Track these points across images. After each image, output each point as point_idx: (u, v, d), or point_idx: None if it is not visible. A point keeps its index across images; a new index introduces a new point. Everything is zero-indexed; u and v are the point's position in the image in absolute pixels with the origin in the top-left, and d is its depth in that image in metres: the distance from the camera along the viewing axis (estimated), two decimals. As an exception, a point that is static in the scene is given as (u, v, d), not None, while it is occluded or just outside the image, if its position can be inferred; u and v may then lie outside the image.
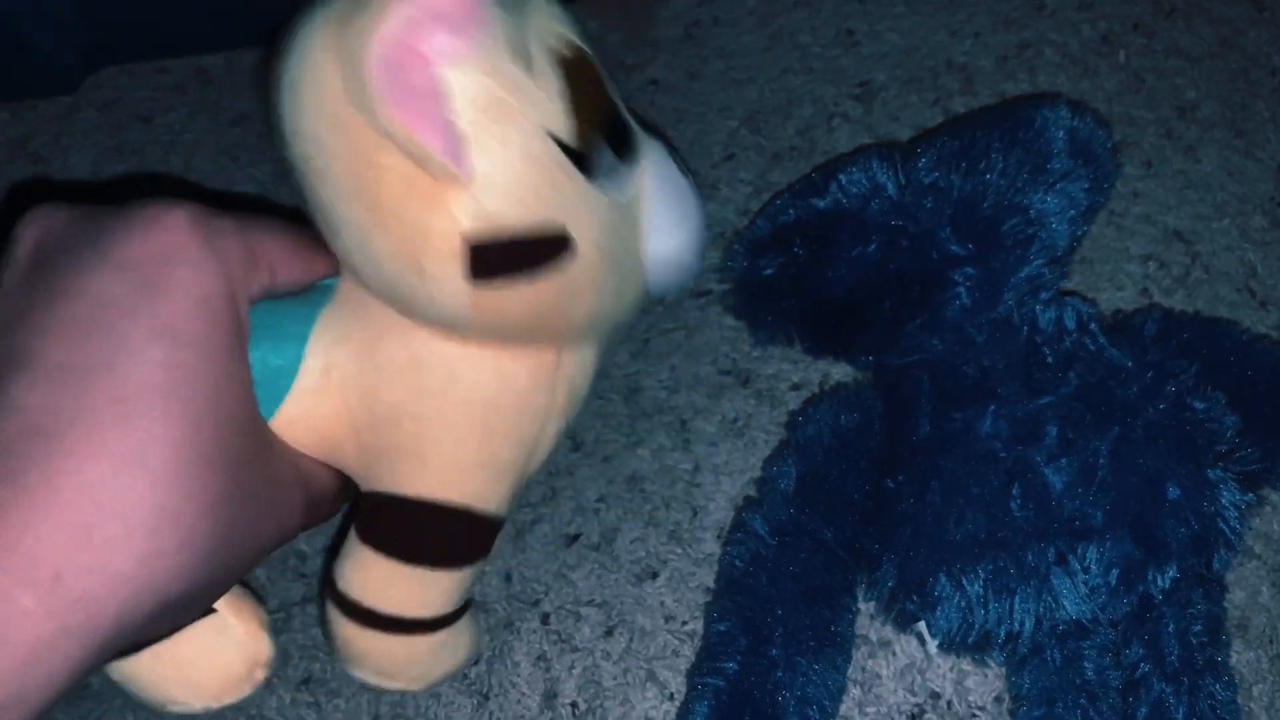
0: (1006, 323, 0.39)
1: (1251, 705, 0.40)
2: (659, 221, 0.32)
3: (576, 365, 0.33)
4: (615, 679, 0.41)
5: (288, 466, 0.30)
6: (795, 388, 0.45)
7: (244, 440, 0.27)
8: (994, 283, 0.39)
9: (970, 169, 0.40)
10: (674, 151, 0.33)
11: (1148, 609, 0.37)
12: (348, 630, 0.34)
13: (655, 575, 0.43)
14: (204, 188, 0.49)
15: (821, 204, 0.41)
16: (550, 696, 0.41)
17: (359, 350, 0.31)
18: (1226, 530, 0.37)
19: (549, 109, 0.28)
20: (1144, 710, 0.37)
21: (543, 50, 0.28)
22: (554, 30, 0.29)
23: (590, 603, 0.42)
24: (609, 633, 0.42)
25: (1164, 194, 0.47)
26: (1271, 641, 0.40)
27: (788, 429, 0.44)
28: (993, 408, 0.37)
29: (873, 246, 0.39)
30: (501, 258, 0.28)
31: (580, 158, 0.29)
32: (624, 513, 0.43)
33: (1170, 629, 0.37)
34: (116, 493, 0.24)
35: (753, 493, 0.43)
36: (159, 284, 0.26)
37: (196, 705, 0.35)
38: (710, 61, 0.50)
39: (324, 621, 0.35)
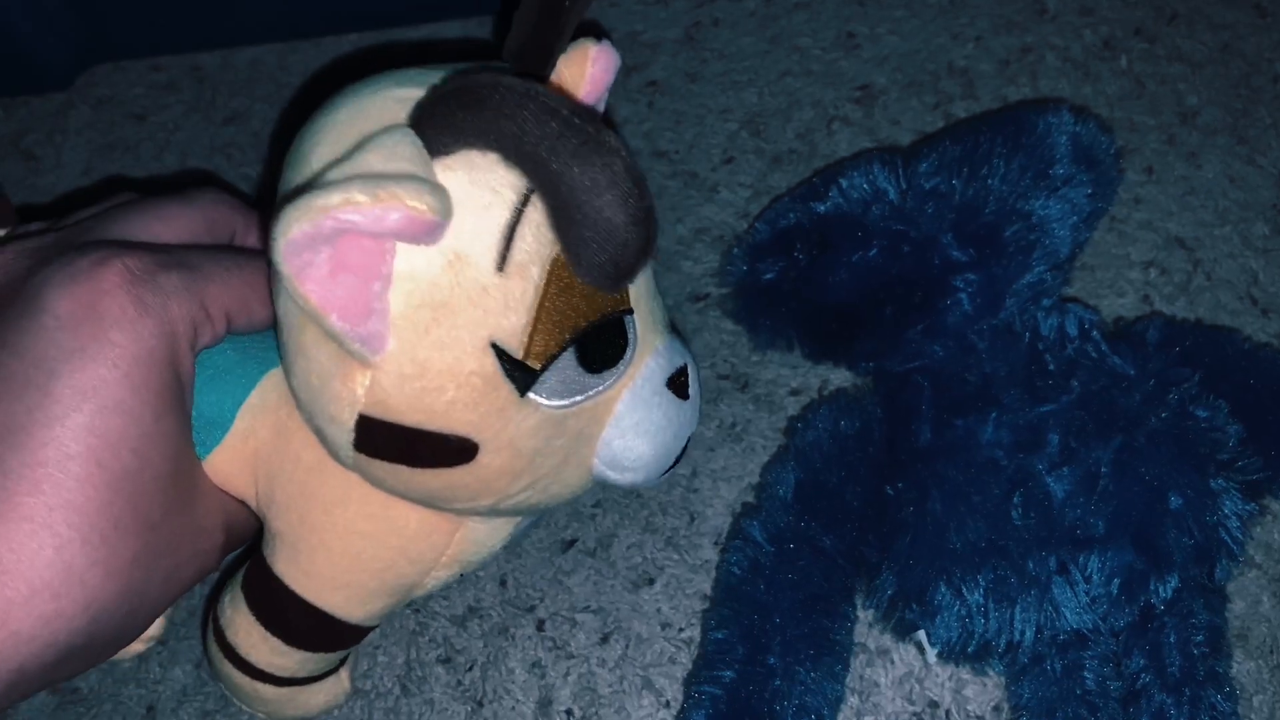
0: (1008, 329, 0.39)
1: (1252, 716, 0.39)
2: (619, 434, 0.29)
3: (483, 532, 0.32)
4: (611, 686, 0.41)
5: (214, 509, 0.30)
6: (794, 393, 0.44)
7: (165, 499, 0.27)
8: (996, 289, 0.39)
9: (972, 174, 0.39)
10: (685, 356, 0.31)
11: (1149, 619, 0.37)
12: (213, 652, 0.34)
13: (652, 582, 0.42)
14: (226, 183, 0.49)
15: (822, 208, 0.41)
16: (545, 704, 0.41)
17: (278, 430, 0.31)
18: (1229, 540, 0.36)
19: (504, 320, 0.26)
20: (1144, 721, 0.36)
21: (536, 254, 0.26)
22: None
23: (586, 609, 0.42)
24: (605, 639, 0.41)
25: (1166, 200, 0.47)
26: (1272, 652, 0.40)
27: (786, 435, 0.43)
28: (994, 415, 0.37)
29: (874, 251, 0.39)
30: (389, 444, 0.28)
31: (525, 371, 0.27)
32: (620, 518, 0.43)
33: (1172, 639, 0.37)
34: (23, 555, 0.25)
35: (751, 499, 0.43)
36: (90, 346, 0.26)
37: None
38: (710, 63, 0.50)
39: (202, 632, 0.36)
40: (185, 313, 0.27)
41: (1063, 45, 0.50)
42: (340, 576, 0.31)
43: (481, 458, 0.28)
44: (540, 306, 0.27)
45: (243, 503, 0.32)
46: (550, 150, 0.25)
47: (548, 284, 0.27)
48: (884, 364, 0.41)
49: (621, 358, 0.29)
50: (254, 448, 0.31)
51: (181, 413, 0.28)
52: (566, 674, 0.41)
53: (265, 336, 0.31)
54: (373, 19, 0.52)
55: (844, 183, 0.40)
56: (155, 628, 0.36)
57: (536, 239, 0.26)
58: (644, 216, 0.25)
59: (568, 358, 0.27)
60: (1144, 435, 0.37)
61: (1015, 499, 0.36)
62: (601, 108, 0.32)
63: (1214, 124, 0.48)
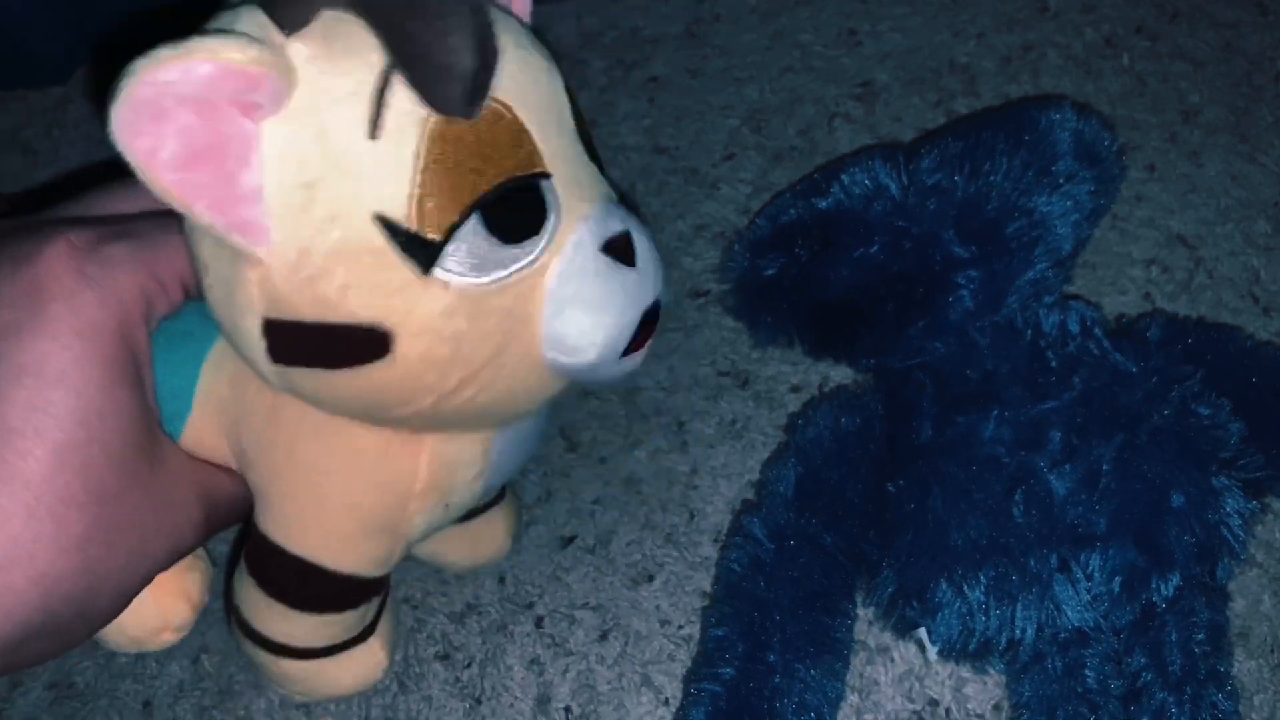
0: (1010, 326, 0.39)
1: (1252, 715, 0.39)
2: (557, 312, 0.27)
3: (453, 451, 0.30)
4: (610, 684, 0.41)
5: (187, 485, 0.30)
6: (795, 390, 0.44)
7: (119, 472, 0.27)
8: (998, 286, 0.39)
9: (974, 170, 0.39)
10: (628, 220, 0.28)
11: (1150, 617, 0.37)
12: (237, 635, 0.33)
13: (651, 579, 0.42)
14: None
15: (824, 204, 0.40)
16: (543, 701, 0.40)
17: (234, 383, 0.30)
18: (1231, 538, 0.36)
19: (384, 189, 0.24)
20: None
21: (411, 118, 0.24)
22: None
23: (585, 606, 0.42)
24: (604, 636, 0.41)
25: (1167, 198, 0.47)
26: (1273, 651, 0.40)
27: (787, 431, 0.43)
28: (996, 412, 0.37)
29: (875, 248, 0.39)
30: (299, 346, 0.26)
31: (422, 244, 0.25)
32: (620, 515, 0.43)
33: (1173, 638, 0.36)
34: None
35: (751, 496, 0.43)
36: (30, 321, 0.26)
37: (102, 644, 0.35)
38: (711, 59, 0.50)
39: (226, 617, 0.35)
40: (134, 282, 0.27)
41: (1064, 43, 0.50)
42: (313, 520, 0.30)
43: (398, 348, 0.26)
44: (424, 171, 0.24)
45: (226, 471, 0.31)
46: (401, 8, 0.24)
47: (429, 146, 0.25)
48: (885, 361, 0.41)
49: (542, 224, 0.26)
50: (215, 406, 0.30)
51: (134, 384, 0.27)
52: (565, 671, 0.41)
53: (202, 315, 0.30)
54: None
55: (846, 179, 0.40)
56: (184, 616, 0.36)
57: (410, 100, 0.24)
58: (481, 30, 0.24)
59: (473, 226, 0.25)
60: (1146, 433, 0.36)
61: (1017, 496, 0.36)
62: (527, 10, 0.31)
63: (1216, 122, 0.48)
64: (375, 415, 0.28)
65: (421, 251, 0.25)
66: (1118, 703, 0.37)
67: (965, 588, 0.36)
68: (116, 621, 0.32)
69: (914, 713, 0.40)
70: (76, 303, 0.26)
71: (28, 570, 0.25)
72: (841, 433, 0.40)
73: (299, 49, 0.24)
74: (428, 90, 0.24)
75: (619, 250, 0.28)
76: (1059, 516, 0.36)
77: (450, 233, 0.25)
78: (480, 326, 0.26)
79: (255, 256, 0.25)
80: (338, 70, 0.24)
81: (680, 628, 0.41)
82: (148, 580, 0.30)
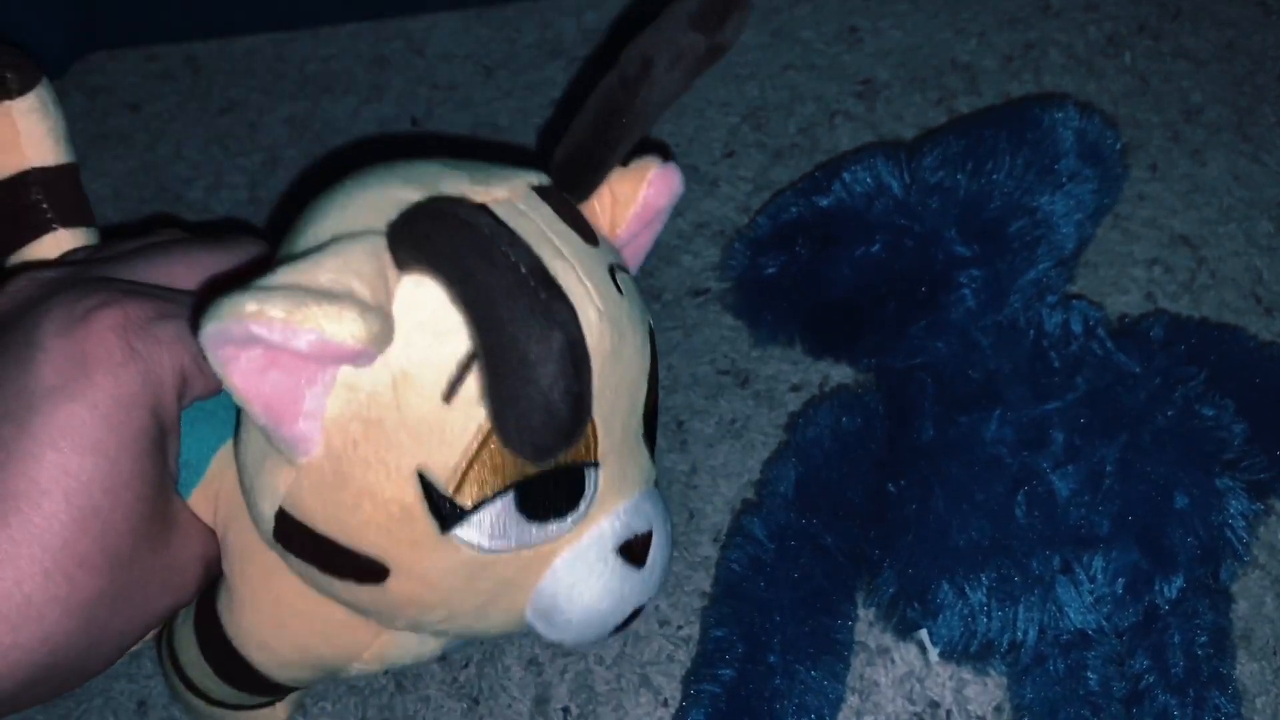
0: (1012, 326, 0.39)
1: (1255, 717, 0.39)
2: (553, 593, 0.28)
3: (413, 641, 0.32)
4: (608, 684, 0.40)
5: (193, 545, 0.30)
6: (795, 389, 0.44)
7: (135, 538, 0.27)
8: (1000, 285, 0.38)
9: (977, 169, 0.39)
10: (650, 523, 0.29)
11: (1153, 619, 0.36)
12: (161, 648, 0.34)
13: (650, 579, 0.42)
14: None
15: (825, 202, 0.40)
16: (542, 701, 0.40)
17: (236, 488, 0.30)
18: (1234, 540, 0.36)
19: (437, 452, 0.25)
20: (1147, 722, 0.36)
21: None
22: None
23: (583, 606, 0.41)
24: (602, 637, 0.41)
25: (1170, 198, 0.47)
26: (1275, 653, 0.40)
27: (787, 431, 0.43)
28: (998, 412, 0.37)
29: (877, 246, 0.39)
30: (304, 545, 0.27)
31: (452, 509, 0.26)
32: (619, 514, 0.42)
33: (1176, 640, 0.36)
34: None
35: (751, 496, 0.42)
36: (74, 387, 0.26)
37: None
38: (711, 56, 0.50)
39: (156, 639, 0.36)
40: (175, 363, 0.27)
41: (1067, 41, 0.49)
42: (264, 639, 0.31)
43: (391, 583, 0.27)
44: (482, 446, 0.25)
45: None
46: (494, 305, 0.23)
47: (488, 431, 0.25)
48: (886, 360, 0.40)
49: (570, 511, 0.27)
50: (216, 491, 0.31)
51: (159, 457, 0.28)
52: (563, 671, 0.41)
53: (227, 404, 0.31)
54: (369, 9, 0.51)
55: (847, 177, 0.40)
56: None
57: None
58: (573, 400, 0.23)
59: (505, 502, 0.26)
60: (1149, 433, 0.36)
61: (1019, 497, 0.36)
62: (657, 230, 0.31)
63: (1218, 121, 0.48)
64: (354, 610, 0.29)
65: (447, 513, 0.26)
66: (1120, 704, 0.36)
67: (967, 589, 0.35)
68: None
69: (914, 714, 0.40)
70: (118, 375, 0.26)
71: (36, 630, 0.26)
72: (842, 432, 0.40)
73: (409, 291, 0.25)
74: (501, 418, 0.24)
75: (633, 552, 0.29)
76: (1061, 517, 0.35)
77: (481, 504, 0.26)
78: (474, 586, 0.27)
79: (295, 462, 0.26)
80: (437, 327, 0.25)
81: (679, 628, 0.41)
82: (148, 633, 0.30)
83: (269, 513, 0.27)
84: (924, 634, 0.37)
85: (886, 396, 0.40)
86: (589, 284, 0.26)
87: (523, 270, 0.23)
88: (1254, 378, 0.40)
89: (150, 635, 0.36)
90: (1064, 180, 0.39)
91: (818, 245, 0.40)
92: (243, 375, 0.23)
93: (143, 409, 0.27)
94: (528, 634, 0.40)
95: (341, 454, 0.25)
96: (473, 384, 0.25)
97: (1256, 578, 0.41)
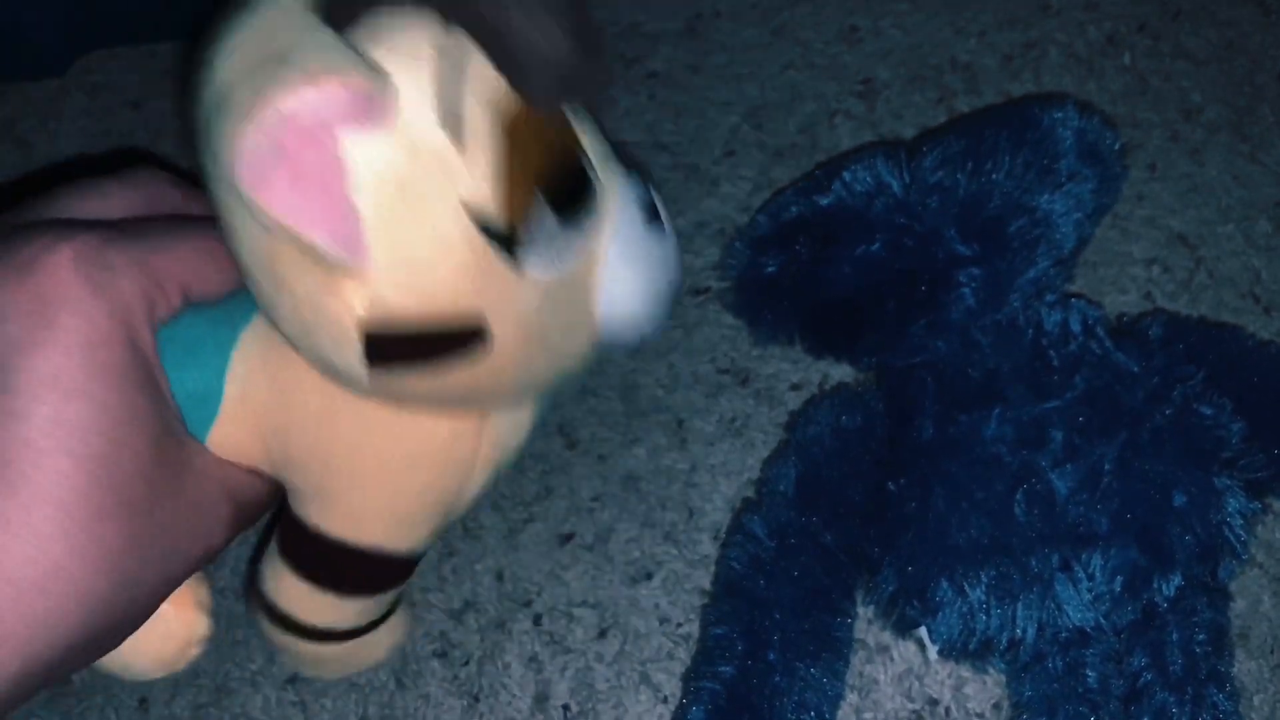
0: (1012, 325, 0.39)
1: (1252, 716, 0.39)
2: (614, 281, 0.28)
3: (508, 424, 0.31)
4: (608, 681, 0.41)
5: (214, 486, 0.29)
6: (795, 388, 0.44)
7: (149, 480, 0.27)
8: (1000, 284, 0.39)
9: (977, 168, 0.39)
10: (648, 186, 0.30)
11: (1152, 617, 0.36)
12: (266, 627, 0.33)
13: (650, 576, 0.42)
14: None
15: (825, 201, 0.40)
16: (542, 699, 0.40)
17: (274, 386, 0.30)
18: (1232, 539, 0.36)
19: (474, 185, 0.25)
20: (1146, 720, 0.36)
21: (480, 109, 0.25)
22: (496, 82, 0.25)
23: (583, 604, 0.41)
24: (602, 634, 0.41)
25: (1168, 197, 0.47)
26: (1273, 651, 0.40)
27: (787, 429, 0.43)
28: (998, 411, 0.37)
29: (877, 245, 0.39)
30: (401, 349, 0.26)
31: (508, 238, 0.26)
32: (619, 512, 0.43)
33: (1174, 638, 0.36)
34: (5, 559, 0.24)
35: (751, 494, 0.42)
36: (42, 334, 0.25)
37: (131, 676, 0.35)
38: (712, 55, 0.50)
39: (248, 610, 0.35)
40: (137, 288, 0.26)
41: (1066, 41, 0.49)
42: (384, 510, 0.30)
43: (494, 341, 0.27)
44: (503, 162, 0.25)
45: (252, 472, 0.31)
46: None
47: (502, 137, 0.25)
48: (886, 359, 0.40)
49: (592, 201, 0.28)
50: (253, 410, 0.30)
51: (151, 389, 0.27)
52: (564, 669, 0.41)
53: (227, 300, 0.30)
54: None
55: (847, 176, 0.40)
56: (205, 626, 0.35)
57: (477, 93, 0.25)
58: (581, 24, 0.24)
59: (544, 214, 0.26)
60: (1148, 432, 0.36)
61: (1018, 495, 0.36)
62: None
63: (1217, 121, 0.48)
64: (463, 404, 0.29)
65: (509, 244, 0.26)
66: (1118, 702, 0.37)
67: (966, 587, 0.36)
68: (142, 650, 0.33)
69: (914, 712, 0.40)
70: (86, 313, 0.25)
71: (70, 592, 0.25)
72: (842, 431, 0.40)
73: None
74: (522, 76, 0.24)
75: (654, 213, 0.29)
76: (1060, 516, 0.36)
77: (526, 221, 0.26)
78: (558, 315, 0.28)
79: (357, 269, 0.25)
80: (403, 73, 0.24)
81: (679, 626, 0.41)
82: (180, 583, 0.29)
83: (354, 341, 0.26)
84: (923, 632, 0.37)
85: (886, 395, 0.40)
86: None
87: None
88: (1252, 376, 0.40)
89: (205, 631, 0.35)
90: (1063, 180, 0.39)
91: (818, 244, 0.40)
92: (281, 198, 0.23)
93: (119, 343, 0.26)
94: (528, 631, 0.41)
95: (393, 233, 0.25)
96: (464, 107, 0.25)
97: (1254, 576, 0.41)
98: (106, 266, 0.26)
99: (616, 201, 0.29)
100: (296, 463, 0.30)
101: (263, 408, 0.30)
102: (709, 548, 0.42)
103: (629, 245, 0.29)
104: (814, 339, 0.42)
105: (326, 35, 0.24)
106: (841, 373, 0.44)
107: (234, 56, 0.25)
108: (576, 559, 0.42)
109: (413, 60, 0.25)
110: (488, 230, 0.25)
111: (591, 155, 0.28)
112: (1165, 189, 0.47)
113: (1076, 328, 0.39)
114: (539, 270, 0.27)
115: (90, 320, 0.25)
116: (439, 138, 0.24)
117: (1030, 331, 0.39)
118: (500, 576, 0.42)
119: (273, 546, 0.32)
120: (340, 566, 0.31)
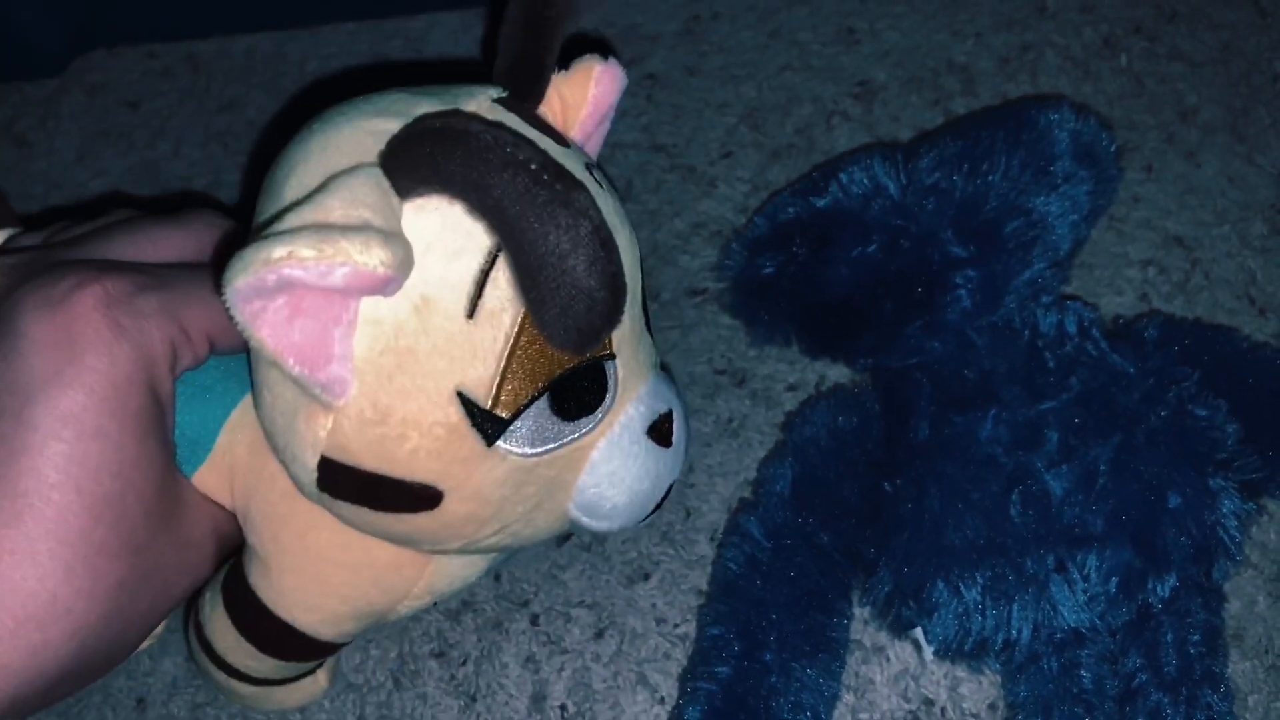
0: (1008, 326, 0.39)
1: (1246, 716, 0.39)
2: (595, 481, 0.29)
3: (456, 565, 0.32)
4: (605, 682, 0.41)
5: (203, 522, 0.30)
6: (791, 389, 0.44)
7: (149, 520, 0.27)
8: (995, 285, 0.39)
9: (973, 170, 0.39)
10: (672, 399, 0.30)
11: (1146, 618, 0.37)
12: (193, 645, 0.34)
13: (647, 577, 0.42)
14: (223, 205, 0.48)
15: (822, 203, 0.40)
16: (539, 699, 0.40)
17: (253, 449, 0.30)
18: (1227, 540, 0.36)
19: (471, 369, 0.25)
20: (1140, 720, 0.36)
21: (507, 298, 0.25)
22: None
23: (580, 604, 0.42)
24: (599, 635, 0.41)
25: (1164, 199, 0.47)
26: (1267, 652, 0.40)
27: (784, 430, 0.43)
28: (993, 412, 0.37)
29: (873, 247, 0.39)
30: (352, 484, 0.27)
31: (495, 420, 0.26)
32: (616, 513, 0.43)
33: (1169, 638, 0.36)
34: (6, 589, 0.25)
35: (747, 494, 0.42)
36: (66, 372, 0.25)
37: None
38: (709, 57, 0.50)
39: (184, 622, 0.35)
40: (164, 335, 0.27)
41: (1063, 43, 0.50)
42: (310, 599, 0.31)
43: (446, 505, 0.27)
44: (511, 355, 0.26)
45: (230, 510, 0.32)
46: (516, 206, 0.24)
47: (519, 332, 0.26)
48: (883, 360, 0.40)
49: (600, 404, 0.28)
50: (230, 464, 0.30)
51: (162, 435, 0.28)
52: (560, 669, 0.41)
53: (223, 371, 0.31)
54: (369, 8, 0.51)
55: (844, 177, 0.40)
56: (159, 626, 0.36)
57: (510, 286, 0.25)
58: (610, 281, 0.24)
59: (540, 406, 0.26)
60: (1143, 433, 0.36)
61: (1014, 496, 0.36)
62: (606, 129, 0.32)
63: (1213, 123, 0.48)
64: (406, 544, 0.30)
65: (490, 427, 0.26)
66: (1113, 703, 0.37)
67: (962, 587, 0.36)
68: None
69: (909, 712, 0.40)
70: (111, 355, 0.26)
71: (65, 625, 0.26)
72: (838, 432, 0.40)
73: (410, 219, 0.25)
74: (542, 316, 0.25)
75: (660, 432, 0.29)
76: (1056, 517, 0.36)
77: (520, 411, 0.26)
78: (523, 491, 0.28)
79: (332, 406, 0.25)
80: (447, 248, 0.25)
81: (676, 626, 0.41)
82: (167, 615, 0.30)
83: (311, 463, 0.27)
84: (919, 632, 0.37)
85: (883, 396, 0.41)
86: (582, 179, 0.27)
87: (534, 166, 0.24)
88: (1247, 378, 0.40)
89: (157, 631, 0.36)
90: (1059, 181, 0.39)
91: (815, 246, 0.40)
92: (272, 327, 0.23)
93: (139, 387, 0.26)
94: (525, 631, 0.41)
95: (378, 389, 0.25)
96: (492, 296, 0.25)
97: (1249, 577, 0.41)
98: (136, 312, 0.26)
99: (626, 410, 0.28)
100: (252, 525, 0.31)
101: (242, 465, 0.30)
102: (706, 548, 0.42)
103: (621, 455, 0.29)
104: (810, 340, 0.42)
105: (374, 194, 0.24)
106: (838, 374, 0.44)
107: (294, 174, 0.26)
108: (573, 559, 0.42)
109: (460, 237, 0.25)
110: (472, 410, 0.26)
111: (622, 362, 0.28)
112: (1161, 191, 0.47)
113: (1072, 329, 0.39)
114: (516, 448, 0.27)
115: (114, 363, 0.26)
116: (455, 317, 0.25)
117: (1026, 333, 0.39)
118: (497, 577, 0.42)
119: (219, 578, 0.33)
120: (263, 627, 0.32)
